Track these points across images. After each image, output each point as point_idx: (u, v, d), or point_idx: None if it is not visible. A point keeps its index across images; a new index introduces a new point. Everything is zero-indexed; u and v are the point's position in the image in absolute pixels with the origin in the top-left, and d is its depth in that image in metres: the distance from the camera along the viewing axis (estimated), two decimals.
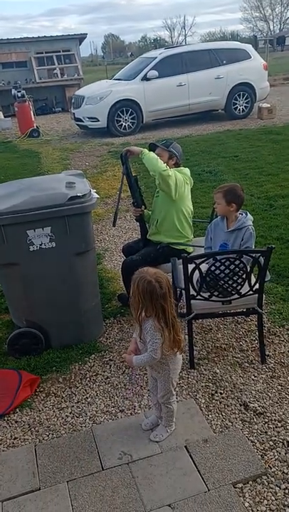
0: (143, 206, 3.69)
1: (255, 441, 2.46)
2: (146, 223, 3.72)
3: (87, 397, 2.86)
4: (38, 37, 17.44)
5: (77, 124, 11.79)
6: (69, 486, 2.26)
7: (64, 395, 2.89)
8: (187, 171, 3.59)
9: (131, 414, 2.69)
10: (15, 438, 2.60)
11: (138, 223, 3.78)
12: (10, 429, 2.66)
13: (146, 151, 3.37)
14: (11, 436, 2.61)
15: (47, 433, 2.61)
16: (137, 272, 2.21)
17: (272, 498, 2.15)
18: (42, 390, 2.94)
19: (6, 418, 2.74)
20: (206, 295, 2.86)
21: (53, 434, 2.59)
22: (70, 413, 2.75)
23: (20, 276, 3.02)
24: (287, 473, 2.27)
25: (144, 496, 2.18)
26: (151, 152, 3.39)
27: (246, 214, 3.02)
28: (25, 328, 3.17)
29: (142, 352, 2.33)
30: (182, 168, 3.57)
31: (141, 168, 3.49)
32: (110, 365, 3.12)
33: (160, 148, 3.52)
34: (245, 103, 11.78)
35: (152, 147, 3.61)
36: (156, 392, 2.48)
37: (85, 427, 2.63)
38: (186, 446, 2.42)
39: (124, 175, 3.57)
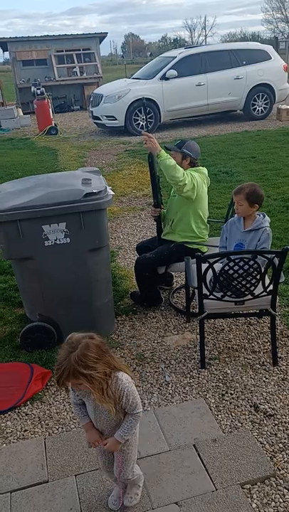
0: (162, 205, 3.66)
1: (265, 442, 2.44)
2: (162, 222, 3.71)
3: None
4: (59, 35, 17.55)
5: (95, 123, 11.84)
6: (77, 479, 2.27)
7: None
8: (205, 170, 3.56)
9: None
10: (25, 430, 2.63)
11: (155, 222, 3.78)
12: (20, 422, 2.69)
13: (163, 154, 3.27)
14: (22, 428, 2.64)
15: (57, 427, 2.63)
16: (69, 348, 1.71)
17: (280, 500, 2.14)
18: (53, 383, 2.96)
19: (16, 410, 2.77)
20: (218, 295, 2.85)
21: (62, 428, 2.62)
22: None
23: (35, 271, 3.05)
24: None
25: (152, 493, 2.18)
26: (169, 158, 3.26)
27: (264, 215, 3.00)
28: (37, 323, 3.20)
29: (107, 431, 1.92)
30: (200, 167, 3.54)
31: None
32: None
33: (173, 150, 3.51)
34: (264, 104, 11.69)
35: (166, 150, 3.60)
36: (112, 468, 2.06)
37: None
38: (194, 445, 2.42)
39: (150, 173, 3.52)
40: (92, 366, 1.68)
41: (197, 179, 3.37)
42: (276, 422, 2.57)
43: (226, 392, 2.80)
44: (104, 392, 1.74)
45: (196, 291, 2.93)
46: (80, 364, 1.66)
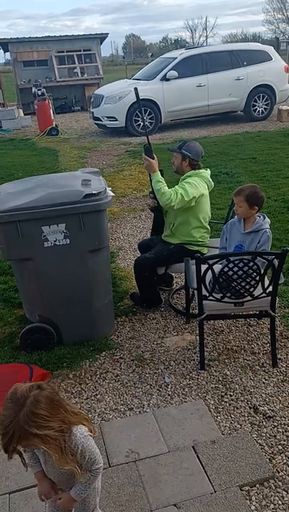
0: None
1: (264, 444, 2.44)
2: (164, 217, 3.67)
3: (96, 394, 2.87)
4: (60, 36, 17.56)
5: (96, 123, 11.84)
6: None
7: (74, 391, 2.91)
8: (207, 173, 3.52)
9: (140, 412, 2.70)
10: None
11: (153, 214, 3.77)
12: None
13: (155, 176, 3.33)
14: None
15: None
16: (14, 406, 1.44)
17: (279, 502, 2.14)
18: (52, 385, 2.96)
19: None
20: (218, 296, 2.85)
21: None
22: (80, 409, 2.75)
23: (35, 272, 3.05)
24: None
25: (150, 495, 2.18)
26: (158, 182, 3.31)
27: (264, 217, 3.00)
28: (37, 324, 3.20)
29: (59, 484, 1.72)
30: (201, 170, 3.49)
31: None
32: (120, 363, 3.13)
33: (174, 152, 3.51)
34: (265, 105, 11.68)
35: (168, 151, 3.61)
36: None
37: (94, 423, 2.64)
38: (193, 447, 2.42)
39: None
40: (47, 425, 1.44)
41: (190, 193, 3.30)
42: (275, 424, 2.56)
43: (226, 394, 2.80)
44: (63, 451, 1.49)
45: (195, 292, 2.92)
46: (31, 425, 1.41)
